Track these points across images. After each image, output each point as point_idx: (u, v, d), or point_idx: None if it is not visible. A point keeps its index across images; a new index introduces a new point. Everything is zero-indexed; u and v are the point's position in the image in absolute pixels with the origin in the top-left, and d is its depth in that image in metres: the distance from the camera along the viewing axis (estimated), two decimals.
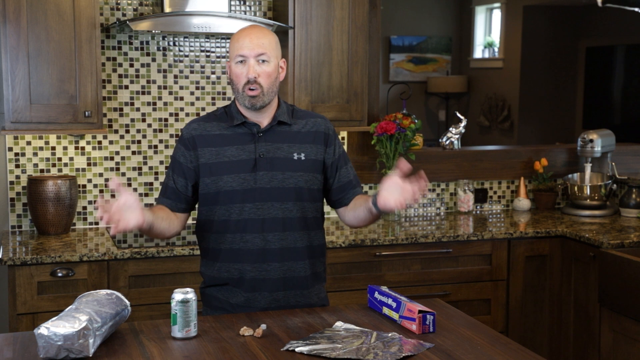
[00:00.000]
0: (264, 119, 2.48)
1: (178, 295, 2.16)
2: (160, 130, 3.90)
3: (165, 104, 3.90)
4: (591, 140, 4.31)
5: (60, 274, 3.21)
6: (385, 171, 4.08)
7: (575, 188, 4.31)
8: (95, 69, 3.45)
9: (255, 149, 2.45)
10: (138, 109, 3.86)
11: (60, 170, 3.77)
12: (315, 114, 2.59)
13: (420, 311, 2.23)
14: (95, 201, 3.82)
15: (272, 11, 3.99)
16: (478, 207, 4.44)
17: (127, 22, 3.45)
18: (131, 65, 3.83)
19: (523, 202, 4.41)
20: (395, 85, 5.20)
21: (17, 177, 3.71)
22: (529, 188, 4.51)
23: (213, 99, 3.96)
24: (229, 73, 2.47)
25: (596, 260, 3.60)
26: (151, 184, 3.90)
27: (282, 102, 2.52)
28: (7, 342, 2.15)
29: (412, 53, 9.24)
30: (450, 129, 4.50)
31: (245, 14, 3.95)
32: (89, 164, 3.81)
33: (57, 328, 1.96)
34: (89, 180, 3.81)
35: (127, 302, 2.24)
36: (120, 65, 3.82)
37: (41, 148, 3.73)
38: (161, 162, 3.91)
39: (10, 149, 3.70)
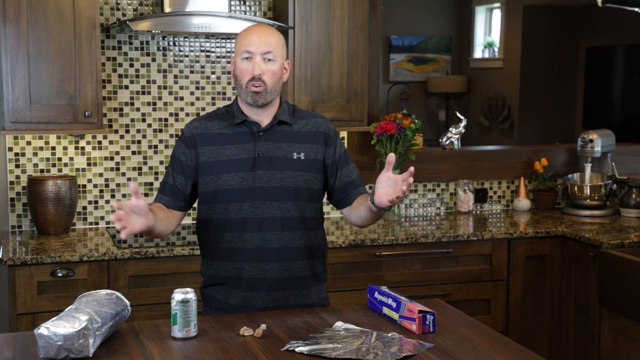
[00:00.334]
0: (264, 118, 2.48)
1: (178, 295, 2.16)
2: (160, 130, 3.90)
3: (165, 104, 3.90)
4: (591, 140, 4.31)
5: (60, 274, 3.21)
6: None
7: (575, 188, 4.31)
8: (95, 69, 3.45)
9: (255, 148, 2.45)
10: (138, 109, 3.86)
11: (60, 170, 3.77)
12: (316, 114, 2.59)
13: (420, 311, 2.23)
14: (95, 201, 3.83)
15: (272, 11, 3.99)
16: (478, 207, 4.44)
17: (127, 22, 3.45)
18: (131, 65, 3.83)
19: (523, 202, 4.41)
20: (395, 85, 5.20)
21: (17, 177, 3.72)
22: (529, 188, 4.51)
23: (213, 99, 3.96)
24: (233, 69, 2.47)
25: (596, 260, 3.60)
26: (151, 184, 3.90)
27: (283, 102, 2.53)
28: (7, 342, 2.15)
29: (412, 53, 9.24)
30: (450, 129, 4.50)
31: (245, 14, 3.95)
32: (89, 164, 3.81)
33: (57, 328, 1.96)
34: (89, 180, 3.81)
35: (127, 302, 2.24)
36: (120, 65, 3.82)
37: (41, 148, 3.73)
38: (161, 162, 3.91)
39: (10, 149, 3.70)
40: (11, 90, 3.36)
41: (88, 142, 3.80)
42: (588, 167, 4.35)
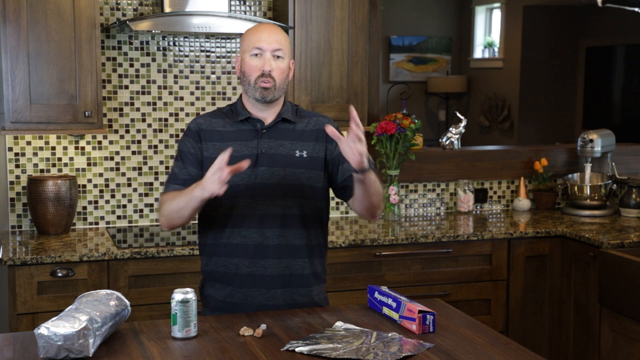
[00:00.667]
0: (268, 116, 2.49)
1: (178, 295, 2.16)
2: (160, 130, 3.90)
3: (165, 104, 3.90)
4: (591, 140, 4.31)
5: (60, 274, 3.21)
6: (385, 171, 4.08)
7: (575, 188, 4.31)
8: (95, 69, 3.45)
9: (258, 145, 2.45)
10: (138, 109, 3.86)
11: (60, 170, 3.77)
12: (319, 114, 2.60)
13: (420, 311, 2.23)
14: (95, 201, 3.83)
15: (272, 11, 3.99)
16: (478, 207, 4.44)
17: (127, 22, 3.45)
18: (131, 65, 3.83)
19: (523, 202, 4.41)
20: (395, 85, 5.20)
21: (17, 177, 3.72)
22: (529, 188, 4.51)
23: (213, 99, 3.96)
24: (239, 66, 2.47)
25: (596, 260, 3.60)
26: (151, 184, 3.90)
27: (287, 101, 2.54)
28: (7, 342, 2.15)
29: (412, 53, 9.24)
30: (450, 129, 4.50)
31: (245, 14, 3.95)
32: (89, 164, 3.81)
33: (57, 328, 1.96)
34: (89, 180, 3.81)
35: (127, 302, 2.24)
36: (120, 65, 3.82)
37: (41, 148, 3.73)
38: (161, 162, 3.91)
39: (10, 149, 3.70)
40: (11, 90, 3.36)
41: (88, 142, 3.80)
42: (588, 167, 4.35)
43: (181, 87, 3.91)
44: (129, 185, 3.87)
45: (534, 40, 8.34)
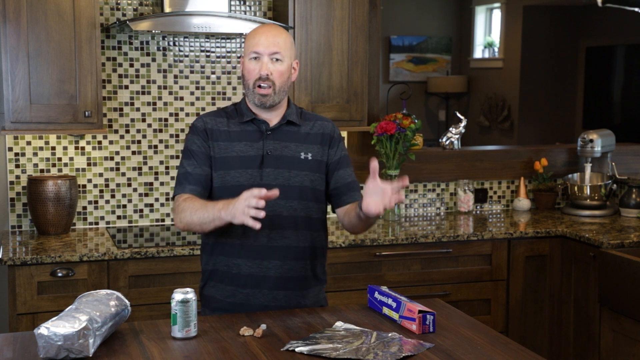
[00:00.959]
0: (273, 117, 2.49)
1: (178, 295, 2.16)
2: (160, 130, 3.90)
3: (165, 104, 3.90)
4: (591, 140, 4.31)
5: (60, 274, 3.21)
6: (385, 171, 4.08)
7: (575, 188, 4.31)
8: (95, 69, 3.45)
9: (263, 146, 2.46)
10: (138, 109, 3.86)
11: (60, 170, 3.77)
12: (323, 117, 2.59)
13: (420, 311, 2.23)
14: (95, 201, 3.82)
15: (272, 11, 3.99)
16: (478, 207, 4.44)
17: (127, 22, 3.45)
18: (131, 65, 3.83)
19: (523, 202, 4.41)
20: (395, 85, 5.20)
21: (17, 177, 3.71)
22: (529, 188, 4.51)
23: (213, 99, 3.96)
24: (241, 69, 2.47)
25: (596, 260, 3.60)
26: (151, 184, 3.90)
27: (291, 103, 2.54)
28: (7, 342, 2.15)
29: (412, 53, 9.24)
30: (450, 129, 4.50)
31: (245, 14, 3.95)
32: (89, 164, 3.81)
33: (57, 328, 1.96)
34: (89, 180, 3.81)
35: (127, 302, 2.24)
36: (120, 65, 3.82)
37: (41, 148, 3.73)
38: (161, 162, 3.91)
39: (10, 149, 3.70)
40: (11, 90, 3.36)
41: (88, 142, 3.80)
42: (588, 167, 4.35)
43: (181, 87, 3.91)
44: (129, 185, 3.87)
45: (534, 40, 8.34)
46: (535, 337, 3.90)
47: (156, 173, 3.90)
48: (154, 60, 3.87)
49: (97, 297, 2.16)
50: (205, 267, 2.54)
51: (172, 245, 3.40)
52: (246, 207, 2.15)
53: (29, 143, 3.72)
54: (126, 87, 3.83)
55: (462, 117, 4.51)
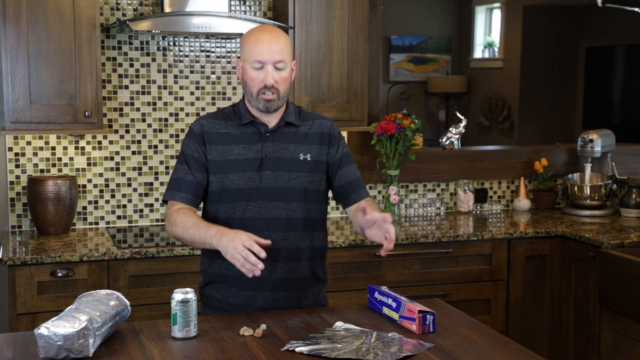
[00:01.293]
0: (272, 119, 2.48)
1: (178, 295, 2.16)
2: (160, 130, 3.90)
3: (165, 104, 3.90)
4: (591, 140, 4.31)
5: (60, 274, 3.21)
6: (384, 171, 4.08)
7: (575, 188, 4.31)
8: (95, 69, 3.45)
9: (262, 149, 2.45)
10: (138, 109, 3.86)
11: (60, 170, 3.77)
12: (321, 116, 2.59)
13: (420, 311, 2.23)
14: (95, 201, 3.82)
15: (272, 11, 3.99)
16: (478, 207, 4.44)
17: (127, 22, 3.45)
18: (131, 65, 3.83)
19: (523, 202, 4.41)
20: (395, 85, 5.20)
21: (17, 177, 3.71)
22: (529, 188, 4.51)
23: (213, 99, 3.96)
24: (241, 73, 2.45)
25: (596, 260, 3.60)
26: (151, 184, 3.90)
27: (290, 103, 2.53)
28: (7, 342, 2.15)
29: (412, 53, 9.24)
30: (450, 129, 4.50)
31: (245, 14, 3.95)
32: (89, 164, 3.81)
33: (57, 328, 1.96)
34: (89, 180, 3.81)
35: (127, 302, 2.24)
36: (120, 65, 3.82)
37: (41, 148, 3.73)
38: (161, 162, 3.91)
39: (10, 149, 3.70)
40: (11, 90, 3.36)
41: (88, 142, 3.80)
42: (588, 167, 4.35)
43: (181, 87, 3.91)
44: (129, 185, 3.87)
45: (534, 40, 8.34)
46: (535, 337, 3.90)
47: (156, 173, 3.90)
48: (154, 60, 3.87)
49: (97, 297, 2.16)
50: (205, 269, 2.54)
51: (172, 245, 3.40)
52: (240, 257, 2.21)
53: (29, 143, 3.72)
54: (126, 87, 3.83)
55: (462, 117, 4.51)
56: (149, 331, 2.24)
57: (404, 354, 2.03)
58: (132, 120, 3.85)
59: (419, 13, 9.22)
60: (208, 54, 3.94)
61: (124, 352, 2.08)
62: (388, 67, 9.16)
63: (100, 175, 3.83)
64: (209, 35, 3.90)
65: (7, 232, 3.70)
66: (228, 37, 3.94)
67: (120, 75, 3.82)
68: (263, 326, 2.24)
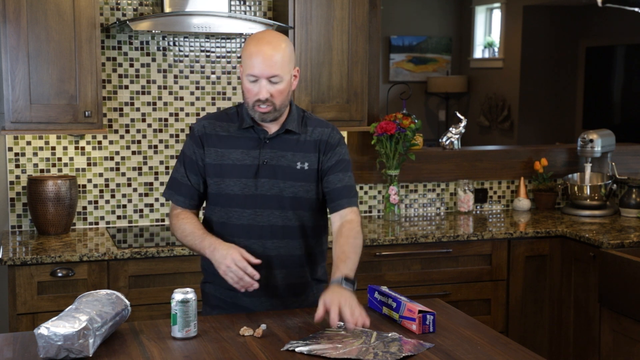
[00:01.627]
0: (273, 126, 2.45)
1: (178, 295, 2.16)
2: (160, 130, 3.90)
3: (165, 104, 3.90)
4: (591, 140, 4.31)
5: (60, 274, 3.21)
6: (384, 171, 4.08)
7: (575, 188, 4.31)
8: (95, 69, 3.45)
9: (260, 155, 2.43)
10: (138, 109, 3.86)
11: (60, 170, 3.77)
12: (324, 123, 2.52)
13: (420, 311, 2.23)
14: (95, 201, 3.82)
15: (272, 11, 3.99)
16: (478, 207, 4.44)
17: (127, 22, 3.45)
18: (131, 65, 3.83)
19: (523, 202, 4.41)
20: (395, 85, 5.20)
21: (17, 177, 3.71)
22: (529, 188, 4.51)
23: (213, 99, 3.96)
24: (240, 78, 2.42)
25: (596, 260, 3.60)
26: (151, 184, 3.90)
27: (294, 109, 2.48)
28: (7, 342, 2.15)
29: (412, 53, 9.24)
30: (450, 129, 4.50)
31: (245, 14, 3.95)
32: (89, 164, 3.81)
33: (57, 328, 1.96)
34: (89, 180, 3.81)
35: (127, 302, 2.24)
36: (120, 65, 3.82)
37: (41, 148, 3.73)
38: (161, 162, 3.91)
39: (10, 149, 3.70)
40: (11, 90, 3.36)
41: (88, 142, 3.80)
42: (588, 167, 4.35)
43: (181, 87, 3.91)
44: (129, 185, 3.86)
45: (534, 40, 8.34)
46: (535, 337, 3.90)
47: (156, 173, 3.90)
48: (154, 60, 3.87)
49: (97, 297, 2.16)
50: (206, 266, 2.53)
51: (172, 245, 3.40)
52: (232, 275, 2.28)
53: (29, 143, 3.72)
54: (126, 87, 3.83)
55: (462, 117, 4.51)
56: (149, 331, 2.24)
57: (404, 354, 2.03)
58: (132, 120, 3.85)
59: (419, 13, 9.22)
60: (208, 54, 3.94)
61: (124, 352, 2.08)
62: (388, 67, 9.16)
63: (100, 175, 3.83)
64: (209, 35, 3.90)
65: (7, 232, 3.70)
66: (228, 37, 3.94)
67: (120, 75, 3.82)
68: (263, 326, 2.24)
